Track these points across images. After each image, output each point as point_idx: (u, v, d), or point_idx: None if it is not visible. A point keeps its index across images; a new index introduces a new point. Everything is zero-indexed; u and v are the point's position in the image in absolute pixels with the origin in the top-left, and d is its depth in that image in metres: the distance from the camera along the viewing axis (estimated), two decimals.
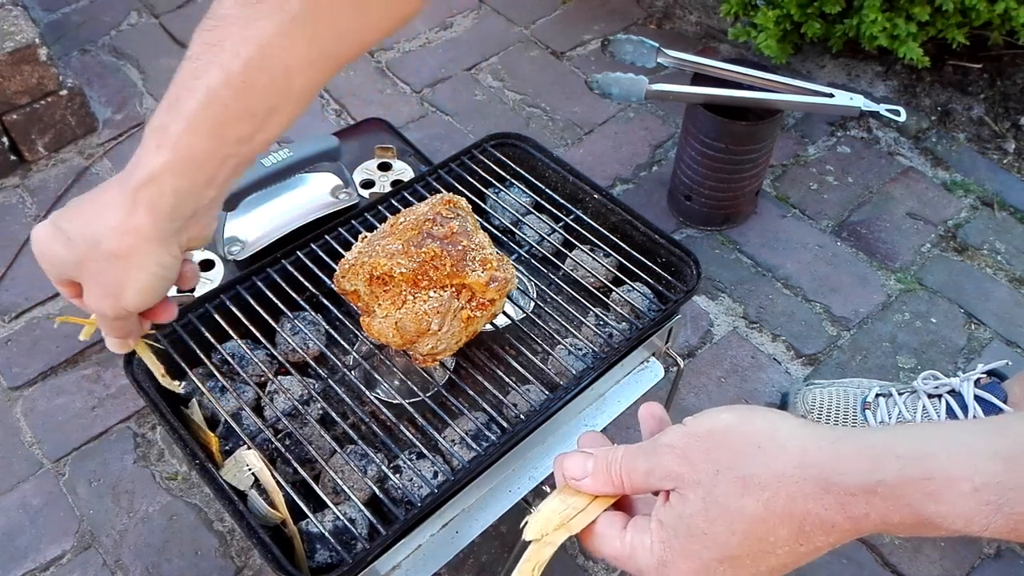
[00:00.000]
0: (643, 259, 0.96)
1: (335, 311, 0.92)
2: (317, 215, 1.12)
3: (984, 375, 1.11)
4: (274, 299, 0.91)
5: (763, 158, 1.38)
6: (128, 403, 1.24)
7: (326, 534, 0.76)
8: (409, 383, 0.85)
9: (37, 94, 1.50)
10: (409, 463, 0.83)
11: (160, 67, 1.75)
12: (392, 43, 1.82)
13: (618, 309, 0.96)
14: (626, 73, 1.33)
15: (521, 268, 0.99)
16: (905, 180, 1.56)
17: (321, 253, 0.95)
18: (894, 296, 1.39)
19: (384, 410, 0.84)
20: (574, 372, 0.87)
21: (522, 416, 0.83)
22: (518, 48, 1.82)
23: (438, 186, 1.04)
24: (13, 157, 1.53)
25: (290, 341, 0.91)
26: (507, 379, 0.87)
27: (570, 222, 1.02)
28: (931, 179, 1.56)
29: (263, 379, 0.90)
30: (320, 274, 0.93)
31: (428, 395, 0.85)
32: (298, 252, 0.95)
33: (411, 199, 1.01)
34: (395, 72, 1.76)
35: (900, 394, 1.15)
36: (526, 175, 1.05)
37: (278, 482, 0.80)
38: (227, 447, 0.86)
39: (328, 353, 0.89)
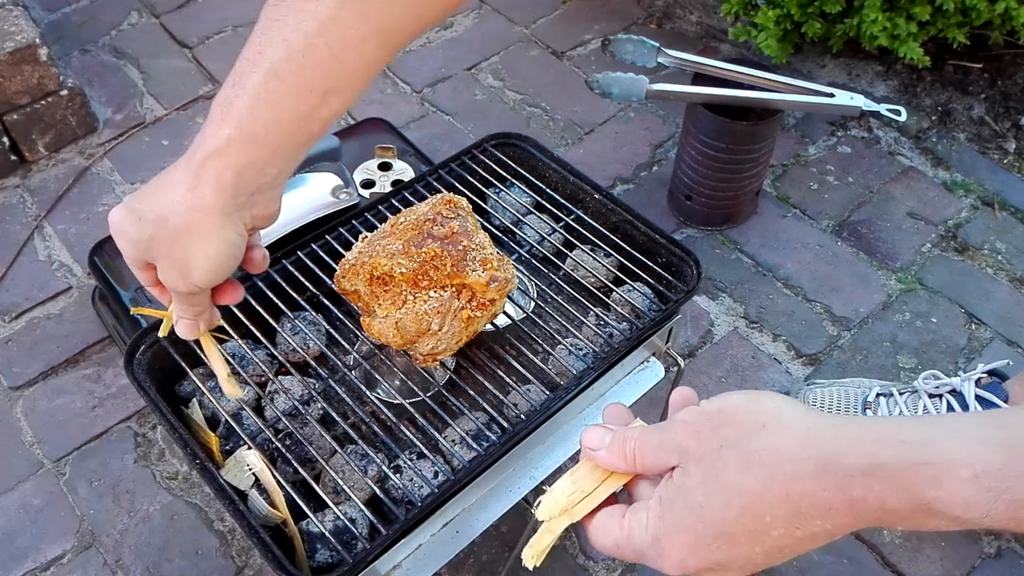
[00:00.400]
0: (643, 259, 0.96)
1: (336, 311, 0.92)
2: (317, 215, 1.12)
3: (985, 375, 1.11)
4: (274, 299, 0.91)
5: (763, 158, 1.38)
6: (128, 403, 1.24)
7: (326, 534, 0.76)
8: (409, 383, 0.85)
9: (37, 94, 1.50)
10: (409, 463, 0.83)
11: (160, 67, 1.75)
12: None
13: (618, 309, 0.96)
14: (626, 73, 1.33)
15: (521, 268, 0.99)
16: (905, 180, 1.56)
17: (321, 253, 0.95)
18: (895, 296, 1.39)
19: (384, 410, 0.84)
20: (574, 372, 0.87)
21: (522, 416, 0.83)
22: (518, 48, 1.82)
23: (438, 186, 1.04)
24: (13, 157, 1.54)
25: (290, 341, 0.91)
26: (507, 379, 0.87)
27: (570, 222, 1.02)
28: (932, 179, 1.56)
29: (264, 379, 0.90)
30: (320, 274, 0.93)
31: (428, 395, 0.85)
32: (298, 252, 0.95)
33: (411, 199, 1.01)
34: (395, 72, 1.76)
35: (901, 394, 1.15)
36: (526, 175, 1.05)
37: (279, 482, 0.80)
38: (227, 447, 0.86)
39: (328, 353, 0.89)
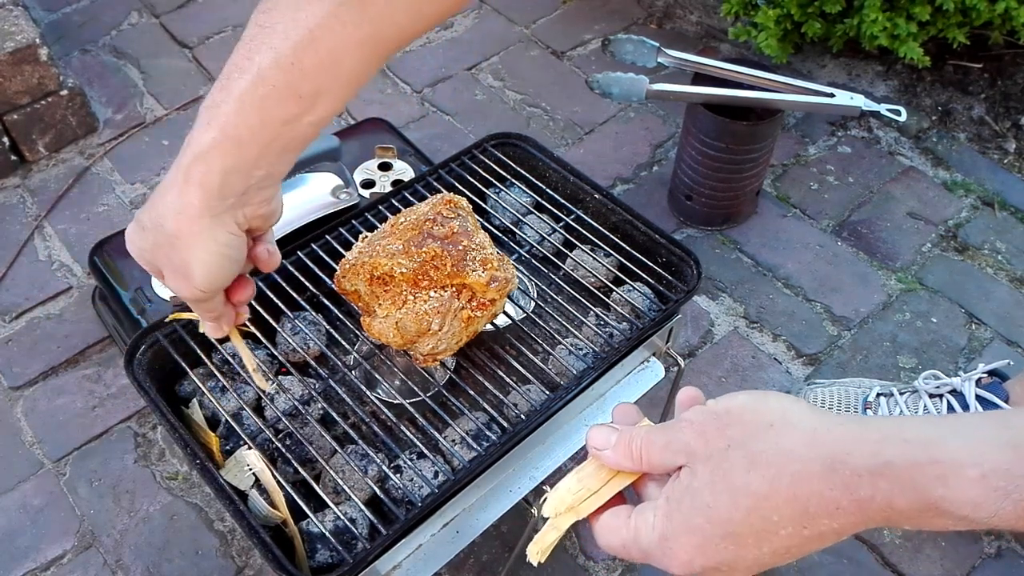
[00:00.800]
0: (643, 259, 0.96)
1: (336, 311, 0.92)
2: (318, 215, 1.12)
3: (985, 375, 1.11)
4: (275, 299, 0.91)
5: (764, 158, 1.38)
6: (129, 403, 1.24)
7: (327, 534, 0.76)
8: (410, 383, 0.85)
9: (38, 94, 1.50)
10: (410, 463, 0.83)
11: (160, 67, 1.75)
12: None
13: (619, 309, 0.96)
14: (626, 73, 1.33)
15: (522, 268, 0.99)
16: (906, 180, 1.56)
17: (322, 253, 0.95)
18: (895, 296, 1.39)
19: (384, 410, 0.84)
20: (575, 372, 0.87)
21: (523, 416, 0.83)
22: (519, 48, 1.82)
23: (438, 186, 1.04)
24: (14, 157, 1.54)
25: (291, 341, 0.91)
26: (508, 379, 0.87)
27: (571, 222, 1.02)
28: (932, 179, 1.56)
29: (264, 379, 0.90)
30: (320, 274, 0.93)
31: (428, 395, 0.85)
32: (299, 252, 0.95)
33: (412, 199, 1.01)
34: (395, 72, 1.76)
35: (901, 394, 1.15)
36: (527, 175, 1.05)
37: (279, 482, 0.80)
38: (228, 447, 0.86)
39: (329, 353, 0.89)
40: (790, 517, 0.45)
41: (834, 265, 1.43)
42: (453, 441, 0.85)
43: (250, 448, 0.82)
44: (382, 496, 0.79)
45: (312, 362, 0.89)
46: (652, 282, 0.96)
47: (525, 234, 1.01)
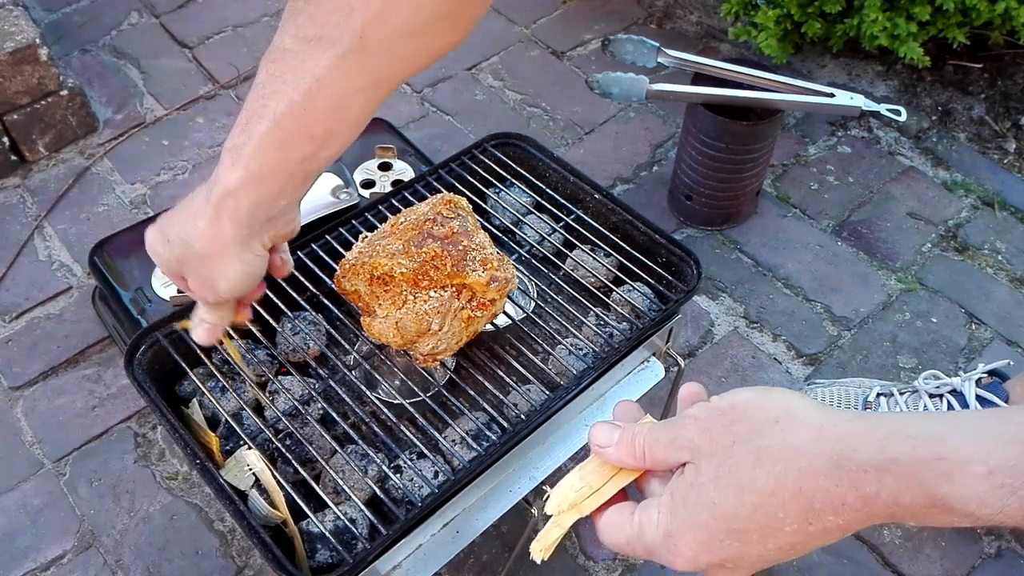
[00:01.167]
0: (643, 259, 0.96)
1: (336, 311, 0.92)
2: (318, 215, 1.12)
3: (985, 375, 1.11)
4: (274, 299, 0.91)
5: (763, 158, 1.38)
6: (129, 403, 1.24)
7: (327, 534, 0.76)
8: (410, 383, 0.85)
9: (38, 94, 1.50)
10: (410, 463, 0.83)
11: (160, 67, 1.75)
12: None
13: (618, 309, 0.96)
14: (626, 73, 1.33)
15: (522, 268, 0.99)
16: (906, 180, 1.56)
17: (321, 253, 0.95)
18: (895, 296, 1.39)
19: (384, 410, 0.84)
20: (574, 372, 0.87)
21: (523, 416, 0.83)
22: (519, 48, 1.82)
23: (439, 186, 1.04)
24: (14, 157, 1.54)
25: (291, 341, 0.91)
26: (508, 379, 0.87)
27: (571, 222, 1.02)
28: (932, 179, 1.56)
29: (264, 379, 0.90)
30: (320, 274, 0.93)
31: (428, 395, 0.85)
32: (299, 252, 0.95)
33: (412, 199, 1.01)
34: None
35: (901, 394, 1.15)
36: (527, 175, 1.05)
37: (279, 482, 0.80)
38: (228, 447, 0.86)
39: (328, 353, 0.89)
40: (796, 513, 0.45)
41: (834, 265, 1.43)
42: (453, 441, 0.85)
43: (250, 448, 0.82)
44: (382, 496, 0.79)
45: (312, 362, 0.89)
46: (652, 282, 0.96)
47: (525, 234, 1.01)
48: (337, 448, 0.83)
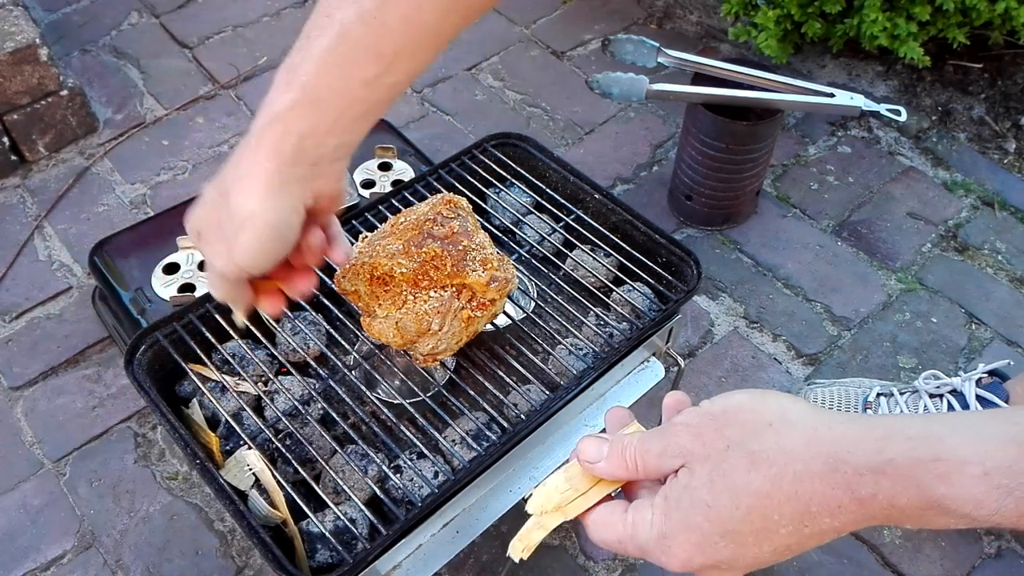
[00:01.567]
0: (643, 259, 0.96)
1: (336, 311, 0.92)
2: None
3: (985, 375, 1.11)
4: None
5: (763, 158, 1.38)
6: (129, 403, 1.24)
7: (327, 534, 0.76)
8: (410, 383, 0.85)
9: (38, 94, 1.50)
10: (410, 463, 0.83)
11: (160, 67, 1.75)
12: None
13: (618, 309, 0.96)
14: (626, 73, 1.33)
15: (522, 268, 0.99)
16: (906, 180, 1.56)
17: None
18: (895, 296, 1.39)
19: (384, 410, 0.84)
20: (574, 372, 0.87)
21: (522, 416, 0.83)
22: (519, 48, 1.82)
23: (438, 186, 1.04)
24: (14, 157, 1.53)
25: (291, 341, 0.91)
26: (508, 379, 0.87)
27: (571, 222, 1.02)
28: (932, 179, 1.56)
29: (264, 379, 0.90)
30: (320, 274, 0.93)
31: (428, 395, 0.85)
32: None
33: (412, 199, 1.01)
34: None
35: (901, 394, 1.15)
36: (527, 175, 1.05)
37: (279, 482, 0.80)
38: (227, 447, 0.86)
39: (328, 353, 0.89)
40: (791, 516, 0.45)
41: (834, 265, 1.43)
42: (453, 441, 0.85)
43: (250, 448, 0.82)
44: (382, 496, 0.79)
45: (312, 362, 0.89)
46: (652, 282, 0.96)
47: (525, 234, 1.01)
48: (337, 448, 0.83)
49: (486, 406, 0.84)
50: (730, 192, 1.41)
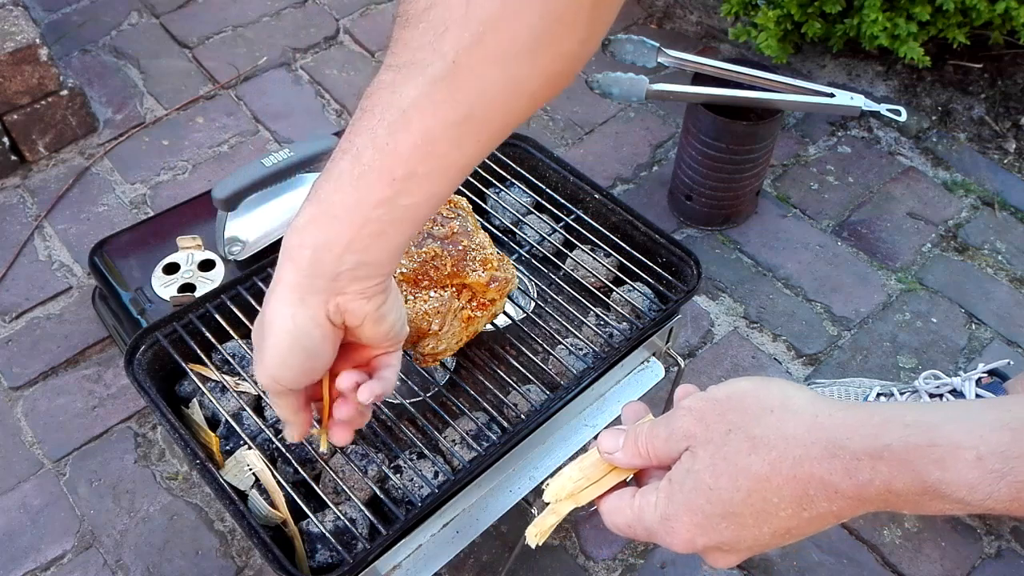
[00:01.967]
0: (644, 259, 0.96)
1: None
2: None
3: (985, 375, 1.11)
4: None
5: (764, 158, 1.38)
6: (129, 403, 1.24)
7: (327, 534, 0.76)
8: (410, 383, 0.85)
9: (38, 94, 1.50)
10: (410, 463, 0.83)
11: (160, 67, 1.75)
12: None
13: (619, 309, 0.97)
14: (626, 73, 1.33)
15: (522, 268, 0.99)
16: (906, 180, 1.56)
17: None
18: (895, 296, 1.39)
19: (384, 410, 0.84)
20: (575, 372, 0.87)
21: (523, 416, 0.83)
22: None
23: None
24: (14, 157, 1.53)
25: None
26: (508, 379, 0.87)
27: (571, 222, 1.02)
28: (932, 179, 1.56)
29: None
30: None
31: (429, 395, 0.85)
32: None
33: None
34: None
35: (901, 393, 1.15)
36: (527, 175, 1.05)
37: (279, 482, 0.80)
38: (228, 447, 0.86)
39: None
40: (790, 499, 0.46)
41: (834, 265, 1.43)
42: (453, 441, 0.85)
43: (250, 448, 0.82)
44: (382, 496, 0.79)
45: None
46: (652, 282, 0.96)
47: (525, 234, 1.01)
48: (337, 448, 0.83)
49: (486, 406, 0.84)
50: (730, 192, 1.41)
